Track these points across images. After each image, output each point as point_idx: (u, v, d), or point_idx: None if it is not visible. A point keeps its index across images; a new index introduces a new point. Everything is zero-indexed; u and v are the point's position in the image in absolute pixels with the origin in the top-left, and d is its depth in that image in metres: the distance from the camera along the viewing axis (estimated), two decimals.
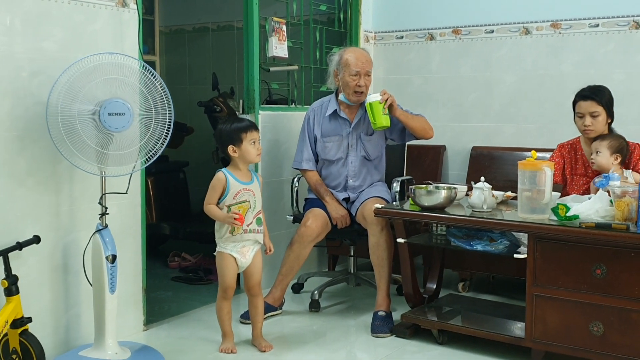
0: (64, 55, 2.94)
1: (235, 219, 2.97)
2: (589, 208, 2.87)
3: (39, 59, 2.87)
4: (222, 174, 3.06)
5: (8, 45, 2.75)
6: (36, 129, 2.85)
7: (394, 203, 3.59)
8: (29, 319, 2.76)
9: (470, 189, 3.30)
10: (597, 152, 3.28)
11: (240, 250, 3.09)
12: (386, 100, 3.49)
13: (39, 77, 2.86)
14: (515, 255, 3.03)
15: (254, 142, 3.07)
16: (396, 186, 3.75)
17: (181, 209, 5.09)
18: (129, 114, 2.76)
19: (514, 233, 3.16)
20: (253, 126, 3.10)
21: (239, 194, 3.04)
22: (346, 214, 3.70)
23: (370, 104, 3.51)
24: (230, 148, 3.06)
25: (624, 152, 3.28)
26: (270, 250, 3.20)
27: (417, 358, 3.13)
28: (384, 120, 3.50)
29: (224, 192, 3.03)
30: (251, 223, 3.08)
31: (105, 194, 2.88)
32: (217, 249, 3.11)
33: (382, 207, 3.35)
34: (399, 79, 4.87)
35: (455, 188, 3.29)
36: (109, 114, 2.71)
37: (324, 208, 3.71)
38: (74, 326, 3.06)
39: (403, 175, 4.05)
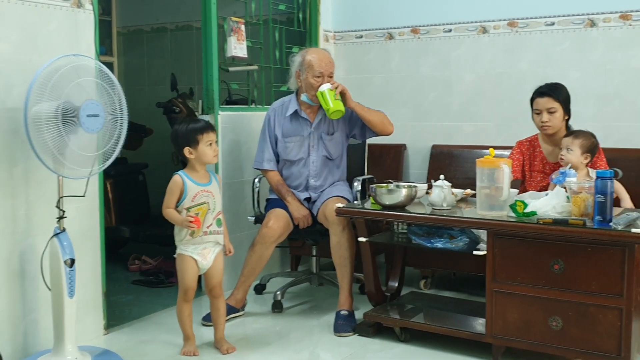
0: (18, 57, 2.90)
1: (190, 222, 2.96)
2: (546, 204, 2.93)
3: None
4: (178, 177, 3.04)
5: None
6: None
7: (355, 202, 3.62)
8: None
9: (430, 187, 3.34)
10: (567, 150, 3.31)
11: (201, 252, 3.08)
12: (337, 87, 3.57)
13: None
14: (475, 252, 3.08)
15: (210, 143, 3.06)
16: (357, 185, 3.78)
17: (141, 212, 5.05)
18: (102, 115, 2.77)
19: (474, 230, 3.21)
20: (209, 127, 3.09)
21: (197, 195, 3.03)
22: (308, 214, 3.72)
23: (321, 92, 3.58)
24: (186, 150, 3.05)
25: (594, 152, 3.34)
26: (230, 252, 3.20)
27: (380, 356, 3.16)
28: (337, 105, 3.56)
29: (181, 195, 3.02)
30: (211, 225, 3.07)
31: (62, 197, 2.85)
32: (177, 252, 3.10)
33: (343, 207, 3.37)
34: (359, 79, 4.90)
35: (415, 186, 3.32)
36: (87, 116, 2.70)
37: (286, 208, 3.72)
38: (32, 332, 3.01)
39: (364, 175, 4.08)
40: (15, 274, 2.94)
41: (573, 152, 3.29)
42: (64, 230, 2.84)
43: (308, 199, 3.80)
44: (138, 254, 4.77)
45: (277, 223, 3.64)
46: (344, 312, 3.49)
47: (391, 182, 3.40)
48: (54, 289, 2.83)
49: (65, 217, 2.85)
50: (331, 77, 3.68)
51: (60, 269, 2.80)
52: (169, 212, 3.02)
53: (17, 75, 2.90)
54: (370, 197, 3.36)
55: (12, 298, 2.93)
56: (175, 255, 3.11)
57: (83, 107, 2.70)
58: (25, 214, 2.96)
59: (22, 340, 2.98)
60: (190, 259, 3.07)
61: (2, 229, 2.87)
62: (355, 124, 3.76)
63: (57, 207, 2.84)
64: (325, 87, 3.59)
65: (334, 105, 3.55)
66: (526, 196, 3.10)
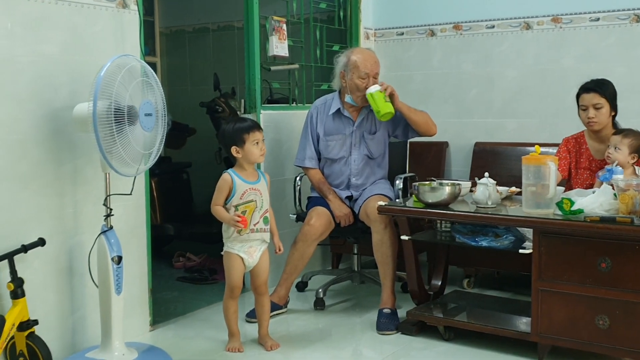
0: (65, 58, 2.95)
1: (237, 221, 2.98)
2: (593, 202, 2.87)
3: (40, 62, 2.86)
4: (228, 175, 3.06)
5: (8, 49, 2.75)
6: (39, 132, 2.86)
7: (397, 200, 3.59)
8: (35, 322, 2.76)
9: (474, 185, 3.29)
10: (615, 148, 3.23)
11: (247, 250, 3.10)
12: (386, 88, 3.53)
13: (40, 81, 2.86)
14: (521, 251, 3.03)
15: (257, 142, 3.07)
16: (399, 183, 3.75)
17: (185, 210, 5.09)
18: (154, 114, 2.81)
19: (519, 228, 3.15)
20: (256, 126, 3.10)
21: (245, 193, 3.05)
22: (349, 212, 3.70)
23: (371, 94, 3.53)
24: (233, 149, 3.07)
25: None
26: (280, 250, 3.20)
27: (424, 355, 3.14)
28: (387, 107, 3.51)
29: (230, 192, 3.03)
30: (258, 222, 3.09)
31: (110, 195, 2.88)
32: (224, 249, 3.12)
33: (385, 205, 3.35)
34: (399, 76, 4.86)
35: (459, 184, 3.28)
36: (145, 115, 2.76)
37: (327, 206, 3.71)
38: (80, 328, 3.06)
39: (406, 172, 4.05)
40: (63, 271, 2.99)
41: (621, 151, 3.21)
42: (111, 227, 2.87)
43: (350, 197, 3.78)
44: (182, 251, 4.82)
45: (318, 221, 3.63)
46: (386, 310, 3.47)
47: (434, 180, 3.38)
48: (102, 285, 2.86)
49: (112, 215, 2.89)
50: (376, 77, 3.66)
51: (107, 266, 2.83)
52: (218, 210, 3.04)
53: (64, 75, 2.95)
54: (413, 195, 3.33)
55: (60, 295, 2.98)
56: (222, 253, 3.13)
57: (141, 107, 2.74)
58: (73, 212, 3.01)
59: (70, 336, 3.03)
60: (237, 257, 3.08)
61: (51, 227, 2.92)
62: (398, 123, 3.74)
63: (105, 205, 2.88)
64: (374, 89, 3.54)
65: (384, 107, 3.51)
66: (573, 194, 3.04)
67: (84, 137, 2.93)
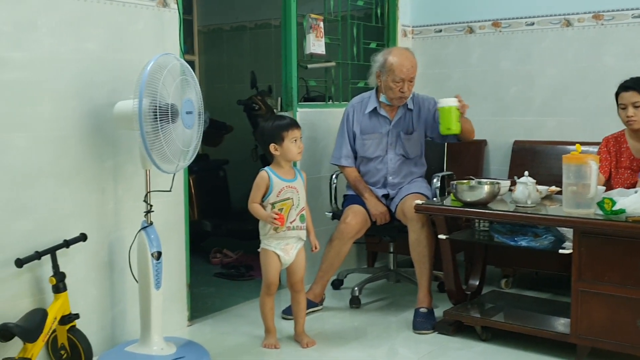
0: (106, 56, 3.00)
1: (275, 218, 2.99)
2: (636, 202, 2.81)
3: (83, 60, 2.91)
4: (265, 173, 3.08)
5: (53, 47, 2.80)
6: (81, 129, 2.91)
7: (435, 199, 3.56)
8: (77, 315, 2.81)
9: (513, 183, 3.26)
10: None
11: (283, 247, 3.11)
12: (463, 106, 3.37)
13: (82, 78, 2.91)
14: (561, 251, 2.98)
15: (295, 140, 3.09)
16: (436, 182, 3.71)
17: (221, 207, 5.14)
18: (195, 112, 2.85)
19: (559, 228, 3.11)
20: (295, 124, 3.12)
21: (282, 191, 3.06)
22: (385, 211, 3.69)
23: (448, 108, 3.32)
24: (272, 146, 3.08)
25: None
26: (316, 248, 3.21)
27: (461, 355, 3.11)
28: (458, 127, 3.34)
29: (267, 190, 3.05)
30: (294, 220, 3.10)
31: (150, 191, 2.92)
32: (261, 246, 3.13)
33: (422, 203, 3.33)
34: (437, 73, 4.83)
35: (498, 183, 3.25)
36: (187, 113, 2.80)
37: (363, 204, 3.70)
38: (120, 322, 3.11)
39: (443, 171, 4.02)
40: (104, 266, 3.05)
41: None
42: (151, 223, 2.91)
43: (386, 196, 3.77)
44: (219, 247, 4.86)
45: (354, 219, 3.63)
46: (423, 310, 3.45)
47: (472, 179, 3.34)
48: (142, 280, 2.90)
49: (152, 211, 2.92)
50: (412, 82, 3.63)
51: (147, 262, 2.86)
52: (255, 207, 3.06)
53: (105, 73, 2.99)
54: (451, 194, 3.30)
55: (101, 289, 3.03)
56: (259, 250, 3.15)
57: (183, 104, 2.78)
58: (114, 208, 3.06)
59: (110, 330, 3.08)
60: (273, 254, 3.10)
61: (92, 222, 2.98)
62: (437, 127, 3.71)
63: (145, 201, 2.91)
64: (451, 103, 3.31)
65: (456, 126, 3.31)
66: (614, 193, 2.99)
67: (125, 134, 2.98)
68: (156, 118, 2.67)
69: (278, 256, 3.10)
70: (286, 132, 3.07)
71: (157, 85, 2.68)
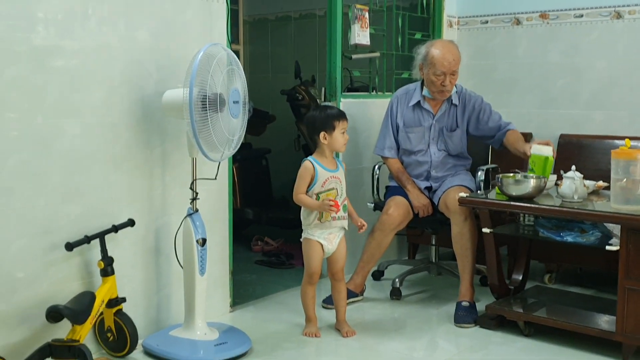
0: (155, 45, 3.04)
1: (331, 205, 3.00)
2: None
3: (133, 49, 2.96)
4: (309, 163, 3.09)
5: (104, 35, 2.85)
6: (130, 116, 2.96)
7: (479, 192, 3.53)
8: (123, 299, 2.87)
9: (559, 178, 3.21)
10: None
11: (327, 236, 3.12)
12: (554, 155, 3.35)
13: (132, 67, 2.95)
14: (607, 247, 2.93)
15: (343, 131, 3.10)
16: (481, 175, 3.68)
17: (263, 195, 5.17)
18: (241, 102, 2.87)
19: (606, 224, 3.06)
20: (344, 115, 3.14)
21: (327, 181, 3.08)
22: (428, 203, 3.67)
23: (542, 158, 3.28)
24: (322, 134, 3.09)
25: None
26: (363, 226, 3.19)
27: (502, 350, 3.09)
28: (549, 175, 3.29)
29: (312, 180, 3.07)
30: (338, 210, 3.10)
31: (196, 179, 2.96)
32: (303, 235, 3.15)
33: (466, 196, 3.30)
34: (483, 65, 4.78)
35: (544, 177, 3.20)
36: (234, 102, 2.82)
37: (406, 196, 3.69)
38: (164, 307, 3.16)
39: (488, 164, 3.98)
40: (150, 251, 3.10)
41: None
42: (197, 211, 2.95)
43: (429, 188, 3.75)
44: (260, 235, 4.90)
45: (397, 211, 3.62)
46: (465, 303, 3.43)
47: (518, 172, 3.30)
48: (187, 266, 2.95)
49: (198, 199, 2.96)
50: (454, 75, 3.59)
51: (192, 248, 2.91)
52: (303, 198, 3.07)
53: (154, 62, 3.03)
54: (495, 187, 3.27)
55: (147, 273, 3.09)
56: (301, 239, 3.17)
57: (230, 94, 2.81)
58: (161, 194, 3.11)
59: (155, 314, 3.14)
60: (317, 243, 3.11)
61: (140, 208, 3.03)
62: (482, 129, 3.71)
63: (191, 188, 2.95)
64: (547, 153, 3.28)
65: (548, 174, 3.25)
66: None
67: (172, 122, 3.03)
68: (205, 107, 2.70)
69: (321, 245, 3.11)
70: (337, 121, 3.09)
71: (206, 75, 2.71)
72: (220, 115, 2.77)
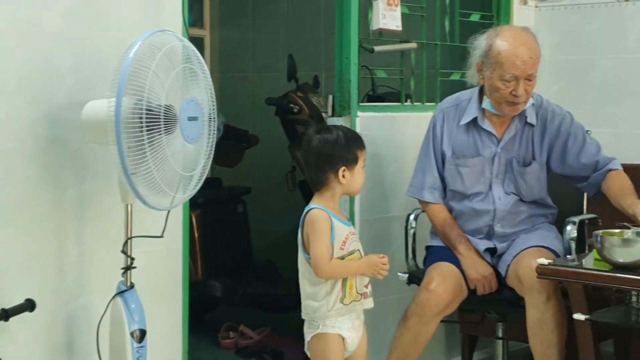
0: (70, 32, 3.04)
1: (384, 263, 3.04)
2: None
3: (35, 38, 2.95)
4: (324, 212, 3.07)
5: None
6: (30, 141, 2.94)
7: (568, 257, 3.50)
8: None
9: None
10: None
11: (352, 325, 3.10)
12: None
13: (32, 67, 2.94)
14: None
15: (363, 165, 3.14)
16: (571, 230, 3.67)
17: (239, 260, 5.17)
18: (200, 118, 2.88)
19: None
20: (363, 142, 3.18)
21: (347, 240, 3.08)
22: (491, 274, 3.67)
23: None
24: (341, 170, 3.08)
25: None
26: (385, 267, 3.14)
27: None
28: None
29: None
30: (368, 283, 3.12)
31: (131, 237, 2.94)
32: (316, 331, 3.10)
33: (549, 264, 3.27)
34: (574, 61, 4.85)
35: None
36: (189, 119, 2.82)
37: (457, 262, 3.68)
38: None
39: (583, 213, 3.99)
40: (59, 349, 3.06)
41: None
42: (132, 286, 2.92)
43: (492, 251, 3.74)
44: (233, 322, 4.88)
45: (443, 285, 3.60)
46: None
47: (628, 227, 3.29)
48: None
49: (134, 268, 2.93)
50: (531, 80, 3.57)
51: (124, 344, 2.87)
52: (337, 264, 3.05)
53: (67, 59, 3.03)
54: (593, 251, 3.25)
55: None
56: (309, 338, 3.11)
57: (183, 107, 2.79)
58: (76, 262, 3.08)
59: None
60: (338, 339, 3.08)
61: (43, 283, 2.99)
62: (571, 166, 3.75)
63: (124, 252, 2.93)
64: None
65: None
66: None
67: (97, 150, 3.01)
68: (142, 127, 2.67)
69: (344, 340, 3.09)
70: (361, 151, 3.13)
71: (146, 77, 2.69)
72: (168, 139, 2.75)
